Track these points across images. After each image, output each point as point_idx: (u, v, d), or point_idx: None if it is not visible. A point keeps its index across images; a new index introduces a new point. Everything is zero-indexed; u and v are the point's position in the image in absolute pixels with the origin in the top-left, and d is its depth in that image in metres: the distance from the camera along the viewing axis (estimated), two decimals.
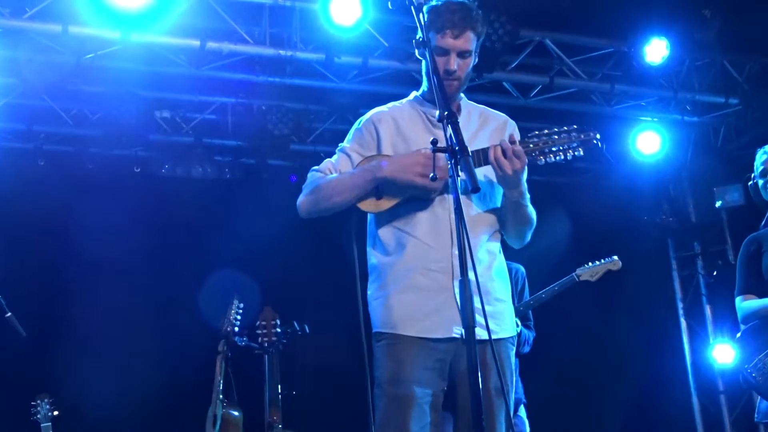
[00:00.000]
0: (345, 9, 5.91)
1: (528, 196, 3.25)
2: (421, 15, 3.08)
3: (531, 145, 3.12)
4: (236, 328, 5.67)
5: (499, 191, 3.22)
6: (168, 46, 6.14)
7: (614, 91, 7.33)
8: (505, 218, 3.22)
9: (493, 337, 2.97)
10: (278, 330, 5.53)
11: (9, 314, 4.17)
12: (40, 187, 6.76)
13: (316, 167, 3.32)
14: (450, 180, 3.04)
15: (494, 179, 3.15)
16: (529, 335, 5.15)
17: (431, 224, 3.14)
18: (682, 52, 6.96)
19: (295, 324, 5.62)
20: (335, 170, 3.27)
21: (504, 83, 7.21)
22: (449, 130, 2.58)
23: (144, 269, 6.96)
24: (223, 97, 7.17)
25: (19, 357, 5.66)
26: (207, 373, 5.63)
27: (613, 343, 7.87)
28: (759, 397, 4.13)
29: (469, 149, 2.95)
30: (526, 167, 3.10)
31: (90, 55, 6.08)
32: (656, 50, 6.81)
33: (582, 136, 3.16)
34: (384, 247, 3.24)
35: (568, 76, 7.17)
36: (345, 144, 3.35)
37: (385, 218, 3.24)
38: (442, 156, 2.90)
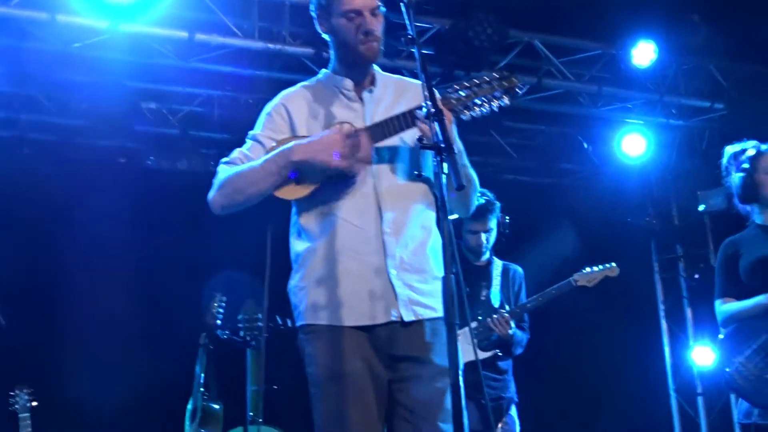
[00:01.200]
0: None
1: (465, 154, 3.07)
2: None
3: (453, 101, 2.93)
4: (218, 321, 5.66)
5: (429, 155, 2.88)
6: (156, 37, 6.10)
7: (601, 93, 7.36)
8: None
9: (435, 315, 2.90)
10: (260, 324, 5.52)
11: None
12: (23, 176, 6.71)
13: (226, 158, 3.08)
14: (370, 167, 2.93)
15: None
16: (523, 337, 5.15)
17: (356, 203, 2.95)
18: (669, 56, 7.01)
19: (278, 318, 5.61)
20: (247, 160, 3.03)
21: None
22: (435, 126, 2.49)
23: (128, 261, 6.92)
24: (211, 89, 7.13)
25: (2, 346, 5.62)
26: (188, 365, 5.62)
27: (595, 345, 7.90)
28: (739, 398, 4.15)
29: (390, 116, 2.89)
30: (454, 122, 2.94)
31: (77, 44, 6.03)
32: (644, 53, 6.85)
33: (505, 84, 2.94)
34: (307, 233, 3.02)
35: (556, 77, 7.18)
36: (256, 131, 3.12)
37: (306, 203, 3.02)
38: (360, 143, 2.84)
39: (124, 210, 6.91)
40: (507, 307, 5.11)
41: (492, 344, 4.99)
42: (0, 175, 6.54)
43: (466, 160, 3.04)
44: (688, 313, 8.61)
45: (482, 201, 4.95)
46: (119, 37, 5.93)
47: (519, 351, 5.14)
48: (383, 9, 3.00)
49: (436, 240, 3.03)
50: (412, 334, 2.90)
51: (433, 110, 2.52)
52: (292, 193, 2.98)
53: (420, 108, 2.80)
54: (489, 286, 5.14)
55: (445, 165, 2.44)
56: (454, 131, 2.97)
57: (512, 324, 4.97)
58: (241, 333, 5.52)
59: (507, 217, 5.32)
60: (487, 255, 5.25)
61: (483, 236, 5.13)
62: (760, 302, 4.10)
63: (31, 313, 6.53)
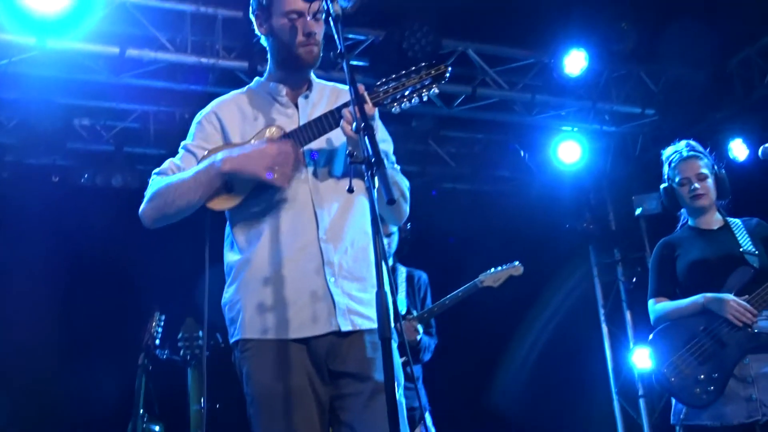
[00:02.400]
0: None
1: (392, 152, 2.98)
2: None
3: (381, 94, 2.84)
4: (157, 341, 5.56)
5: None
6: (86, 52, 6.01)
7: (535, 101, 7.45)
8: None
9: (374, 325, 2.77)
10: (200, 342, 5.44)
11: None
12: None
13: (157, 170, 2.98)
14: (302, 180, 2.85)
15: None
16: (431, 342, 5.16)
17: (291, 211, 2.86)
18: (600, 64, 7.14)
19: (218, 336, 5.53)
20: (179, 171, 2.92)
21: None
22: (366, 140, 2.43)
23: (62, 281, 6.78)
24: (145, 104, 7.05)
25: None
26: (127, 387, 5.51)
27: (537, 349, 7.99)
28: (674, 399, 4.21)
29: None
30: (378, 121, 2.89)
31: (4, 62, 5.90)
32: (575, 62, 6.96)
33: (433, 72, 2.86)
34: (240, 244, 2.91)
35: (490, 86, 7.26)
36: (187, 141, 3.01)
37: (239, 213, 2.92)
38: (291, 151, 2.77)
39: (58, 229, 6.78)
40: (414, 313, 5.13)
41: (399, 351, 4.99)
42: None
43: (393, 160, 2.99)
44: (628, 316, 8.74)
45: None
46: (48, 53, 5.82)
47: (427, 357, 5.13)
48: (323, 14, 2.94)
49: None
50: (351, 347, 2.81)
51: (362, 124, 2.48)
52: (224, 203, 2.88)
53: (341, 107, 2.79)
54: (394, 293, 5.14)
55: (376, 179, 2.40)
56: (379, 124, 2.91)
57: (420, 329, 4.98)
58: (182, 352, 5.43)
59: (409, 223, 5.32)
60: (390, 261, 5.24)
61: (385, 240, 5.13)
62: (697, 301, 4.17)
63: None
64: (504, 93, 7.35)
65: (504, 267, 5.33)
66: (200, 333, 5.46)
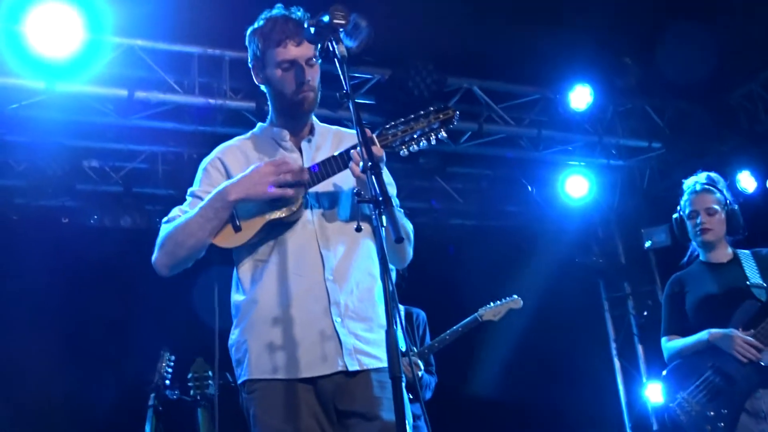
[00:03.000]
0: None
1: (397, 201, 2.97)
2: (255, 41, 2.97)
3: (390, 137, 2.88)
4: (167, 381, 5.54)
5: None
6: (95, 95, 6.07)
7: (541, 136, 7.49)
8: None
9: (381, 365, 2.80)
10: (211, 382, 5.43)
11: None
12: None
13: (165, 218, 2.98)
14: (307, 198, 2.86)
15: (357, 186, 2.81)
16: (431, 380, 5.14)
17: (297, 251, 2.86)
18: (605, 98, 7.18)
19: (228, 376, 5.51)
20: None
21: None
22: (373, 179, 2.44)
23: (72, 322, 6.78)
24: (153, 146, 7.09)
25: None
26: (138, 427, 5.48)
27: (549, 384, 7.91)
28: None
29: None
30: (383, 166, 2.86)
31: (14, 105, 5.97)
32: (580, 97, 7.01)
33: (441, 116, 2.90)
34: (246, 284, 2.92)
35: (496, 122, 7.30)
36: (194, 187, 3.04)
37: (245, 253, 2.93)
38: (289, 162, 2.80)
39: (67, 270, 6.79)
40: (414, 349, 5.11)
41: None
42: None
43: (398, 203, 2.99)
44: (640, 350, 8.67)
45: None
46: (57, 96, 5.89)
47: (428, 395, 5.12)
48: (320, 60, 3.00)
49: (381, 289, 2.95)
50: (358, 387, 2.81)
51: (369, 163, 2.49)
52: (231, 240, 2.88)
53: (350, 149, 2.81)
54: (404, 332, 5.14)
55: (383, 218, 2.42)
56: (384, 170, 2.90)
57: (421, 366, 4.97)
58: (192, 392, 5.41)
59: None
60: None
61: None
62: (702, 338, 4.16)
63: None
64: (510, 129, 7.39)
65: (504, 301, 5.35)
66: (210, 373, 5.45)
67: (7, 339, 6.52)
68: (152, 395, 5.52)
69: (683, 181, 4.55)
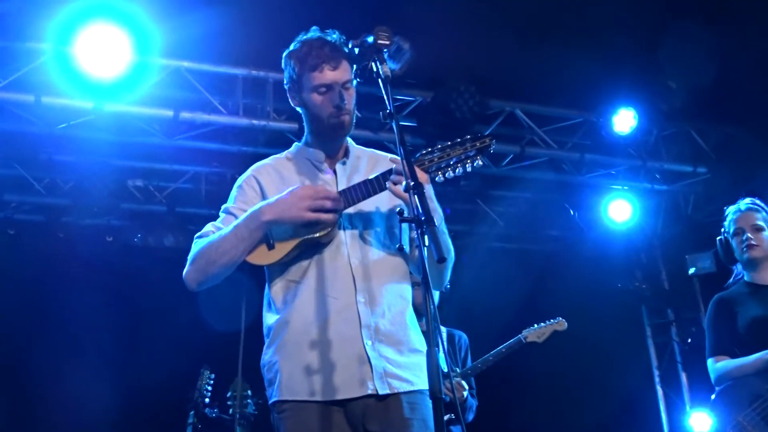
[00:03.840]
0: None
1: (443, 220, 2.96)
2: (291, 64, 2.99)
3: (426, 162, 2.88)
4: (207, 399, 5.58)
5: (405, 227, 2.90)
6: (141, 116, 6.17)
7: (584, 160, 7.44)
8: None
9: (411, 388, 2.80)
10: (249, 401, 5.45)
11: None
12: (10, 257, 6.69)
13: (198, 234, 2.99)
14: (340, 223, 2.86)
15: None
16: (473, 402, 5.10)
17: (330, 273, 2.87)
18: (649, 122, 7.12)
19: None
20: None
21: None
22: (415, 199, 2.43)
23: (114, 339, 6.85)
24: (197, 166, 7.17)
25: None
26: None
27: (590, 411, 7.80)
28: None
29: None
30: (430, 186, 2.88)
31: (63, 125, 6.08)
32: (624, 120, 6.96)
33: (478, 144, 2.90)
34: (278, 304, 2.92)
35: (539, 145, 7.27)
36: (228, 204, 3.05)
37: (277, 273, 2.94)
38: (326, 187, 2.81)
39: (110, 288, 6.88)
40: (456, 370, 5.08)
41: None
42: None
43: (444, 227, 2.97)
44: (683, 378, 8.53)
45: None
46: (104, 116, 5.99)
47: (471, 417, 5.07)
48: (356, 81, 3.01)
49: (413, 312, 2.99)
50: (389, 409, 2.79)
51: (412, 183, 2.48)
52: (264, 258, 2.89)
53: (387, 174, 2.81)
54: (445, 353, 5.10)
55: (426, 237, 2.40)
56: (430, 192, 2.89)
57: (466, 386, 4.93)
58: (231, 410, 5.44)
59: (448, 285, 5.32)
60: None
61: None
62: (762, 357, 4.05)
63: (19, 391, 6.44)
64: (553, 152, 7.36)
65: (548, 322, 5.30)
66: (249, 392, 5.47)
67: (49, 354, 6.62)
68: (191, 413, 5.56)
69: (725, 207, 4.50)
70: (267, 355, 2.94)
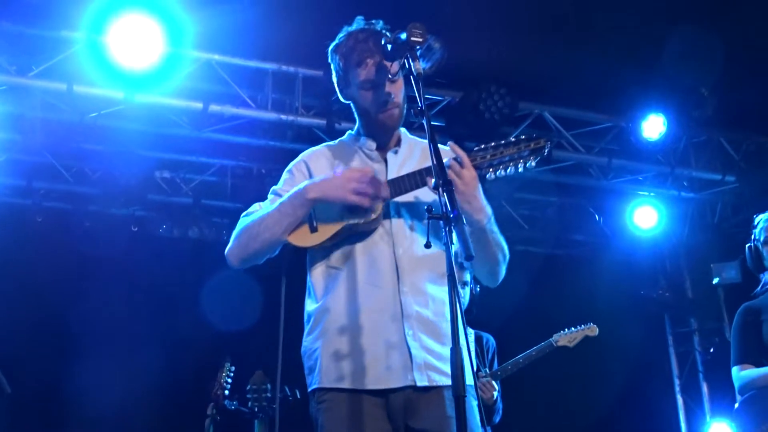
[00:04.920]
0: None
1: (494, 219, 2.90)
2: (336, 59, 2.97)
3: (478, 158, 2.84)
4: (226, 392, 5.58)
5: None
6: (171, 107, 6.20)
7: (612, 165, 7.40)
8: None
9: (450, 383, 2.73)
10: (269, 395, 5.45)
11: None
12: (37, 243, 6.76)
13: (245, 212, 2.98)
14: (387, 208, 2.83)
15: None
16: (500, 405, 5.09)
17: (373, 262, 2.83)
18: (679, 129, 7.06)
19: (287, 389, 5.53)
20: None
21: None
22: (444, 197, 2.41)
23: (137, 328, 6.91)
24: (224, 159, 7.20)
25: (10, 412, 5.58)
26: None
27: (609, 418, 7.76)
28: None
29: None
30: (478, 184, 2.82)
31: (93, 114, 6.13)
32: (654, 126, 6.90)
33: (532, 145, 2.86)
34: (320, 292, 2.90)
35: (566, 148, 7.24)
36: (277, 186, 3.04)
37: (318, 258, 2.93)
38: (372, 174, 2.78)
39: (135, 277, 6.94)
40: (486, 372, 5.07)
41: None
42: (15, 243, 6.60)
43: (495, 226, 2.91)
44: (704, 387, 8.46)
45: None
46: (135, 107, 6.04)
47: (498, 419, 5.05)
48: (401, 74, 2.94)
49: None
50: (430, 404, 2.74)
51: (441, 180, 2.47)
52: (306, 240, 2.88)
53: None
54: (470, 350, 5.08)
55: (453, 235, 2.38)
56: (479, 190, 2.85)
57: (497, 388, 4.92)
58: (249, 404, 5.44)
59: (478, 287, 5.31)
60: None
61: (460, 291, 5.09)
62: None
63: (40, 380, 6.50)
64: (580, 156, 7.32)
65: (580, 327, 5.30)
66: (269, 386, 5.47)
67: (69, 341, 6.68)
68: (211, 405, 5.56)
69: (755, 215, 4.46)
70: (307, 342, 2.93)
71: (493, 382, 4.93)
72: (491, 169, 2.87)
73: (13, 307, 6.46)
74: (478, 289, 5.35)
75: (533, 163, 2.89)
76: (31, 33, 5.65)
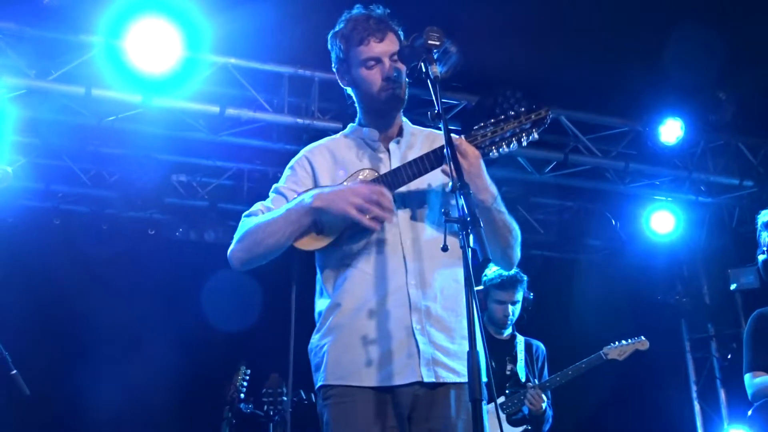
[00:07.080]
0: None
1: (500, 200, 2.87)
2: (337, 43, 2.96)
3: (479, 137, 2.80)
4: (242, 395, 5.59)
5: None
6: (188, 111, 6.22)
7: (628, 169, 7.36)
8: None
9: (459, 380, 2.71)
10: (284, 398, 5.45)
11: (14, 372, 4.10)
12: (55, 246, 6.80)
13: (247, 212, 2.95)
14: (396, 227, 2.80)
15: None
16: (550, 414, 5.07)
17: (381, 254, 2.80)
18: (696, 133, 7.03)
19: (302, 393, 5.54)
20: (269, 212, 2.89)
21: (518, 158, 7.25)
22: (461, 200, 2.40)
23: (153, 331, 6.92)
24: (240, 163, 7.23)
25: (25, 414, 5.60)
26: None
27: (625, 424, 7.72)
28: None
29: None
30: (482, 163, 2.79)
31: (111, 118, 6.16)
32: (671, 131, 6.88)
33: (533, 117, 2.80)
34: (329, 289, 2.88)
35: (582, 153, 7.21)
36: (279, 184, 3.01)
37: (327, 255, 2.90)
38: (384, 193, 2.71)
39: (151, 280, 6.96)
40: (535, 382, 5.05)
41: (521, 419, 4.93)
42: (33, 245, 6.64)
43: (502, 206, 2.88)
44: (722, 394, 8.41)
45: (512, 272, 4.91)
46: (152, 110, 6.06)
47: (547, 427, 5.03)
48: (409, 80, 2.96)
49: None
50: (435, 402, 2.73)
51: (458, 183, 2.45)
52: (312, 243, 2.85)
53: (440, 149, 2.75)
54: (514, 361, 5.08)
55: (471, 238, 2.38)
56: (483, 169, 2.83)
57: (545, 398, 4.90)
58: (265, 407, 5.45)
59: (531, 293, 5.29)
60: (509, 329, 5.20)
61: (510, 308, 5.08)
62: None
63: (58, 382, 6.54)
64: (597, 160, 7.29)
65: (631, 341, 5.29)
66: (284, 389, 5.48)
67: (86, 342, 6.72)
68: (226, 408, 5.57)
69: (756, 217, 4.42)
70: (314, 339, 2.90)
71: (543, 394, 4.92)
72: (493, 147, 2.83)
73: (31, 309, 6.50)
74: (532, 297, 5.34)
75: (536, 135, 2.84)
76: (50, 37, 5.69)
